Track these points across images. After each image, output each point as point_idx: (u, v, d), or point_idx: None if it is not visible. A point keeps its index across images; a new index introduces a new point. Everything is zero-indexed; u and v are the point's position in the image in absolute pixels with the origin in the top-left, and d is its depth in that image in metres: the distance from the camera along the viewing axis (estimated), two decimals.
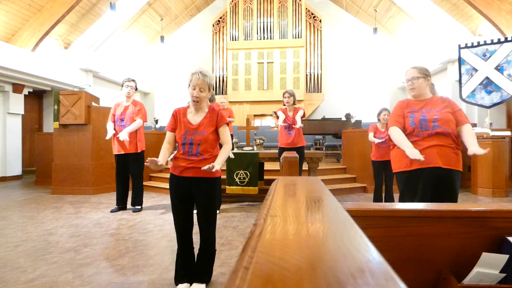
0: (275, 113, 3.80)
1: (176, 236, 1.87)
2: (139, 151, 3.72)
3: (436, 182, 1.89)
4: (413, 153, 1.79)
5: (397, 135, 1.94)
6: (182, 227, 1.85)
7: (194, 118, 1.86)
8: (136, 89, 3.76)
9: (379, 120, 3.78)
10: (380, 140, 3.65)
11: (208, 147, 1.82)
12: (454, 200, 1.91)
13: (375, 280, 0.21)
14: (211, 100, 4.93)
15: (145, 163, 1.74)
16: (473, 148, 1.77)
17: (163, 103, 11.71)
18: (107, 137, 3.62)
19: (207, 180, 1.82)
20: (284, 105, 3.69)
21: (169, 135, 1.88)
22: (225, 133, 1.88)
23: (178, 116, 1.86)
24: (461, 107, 6.79)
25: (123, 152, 3.66)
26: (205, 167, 1.68)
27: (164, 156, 1.82)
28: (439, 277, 0.86)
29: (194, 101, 1.80)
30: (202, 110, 1.88)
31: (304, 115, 3.64)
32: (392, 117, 2.04)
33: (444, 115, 1.88)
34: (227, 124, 1.91)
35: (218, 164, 1.75)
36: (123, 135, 3.45)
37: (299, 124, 3.51)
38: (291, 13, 10.35)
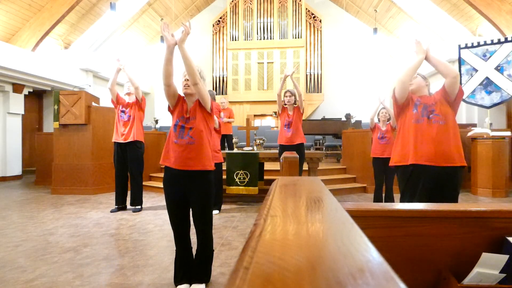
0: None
1: (174, 236, 1.87)
2: (136, 139, 3.72)
3: (437, 180, 1.89)
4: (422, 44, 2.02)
5: (400, 72, 2.06)
6: (179, 228, 1.84)
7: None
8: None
9: (378, 120, 3.79)
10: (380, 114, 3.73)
11: (198, 132, 1.79)
12: (454, 198, 1.91)
13: (375, 280, 0.21)
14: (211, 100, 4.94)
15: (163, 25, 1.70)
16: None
17: (163, 103, 11.70)
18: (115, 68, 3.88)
19: (200, 177, 1.79)
20: (285, 104, 3.68)
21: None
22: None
23: (181, 97, 1.88)
24: (461, 107, 6.75)
25: (122, 141, 3.68)
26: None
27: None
28: (439, 277, 0.86)
29: (184, 85, 1.82)
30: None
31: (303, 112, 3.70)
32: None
33: (440, 102, 1.98)
34: (209, 102, 1.84)
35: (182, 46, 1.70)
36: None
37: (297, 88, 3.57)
38: (291, 13, 10.36)
